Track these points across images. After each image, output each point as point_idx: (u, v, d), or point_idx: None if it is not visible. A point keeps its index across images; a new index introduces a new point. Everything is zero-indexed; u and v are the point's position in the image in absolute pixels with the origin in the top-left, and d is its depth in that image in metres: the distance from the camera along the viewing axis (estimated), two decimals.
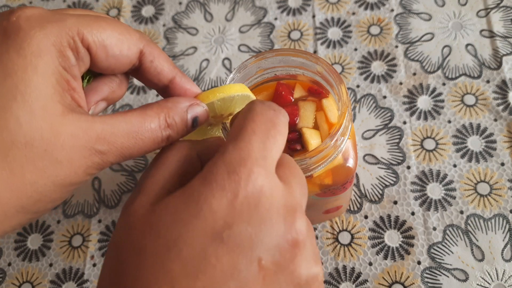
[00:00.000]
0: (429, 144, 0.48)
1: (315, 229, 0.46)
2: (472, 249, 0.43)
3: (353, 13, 0.56)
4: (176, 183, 0.24)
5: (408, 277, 0.43)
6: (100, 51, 0.26)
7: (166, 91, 0.31)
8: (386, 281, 0.43)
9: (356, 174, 0.48)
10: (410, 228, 0.45)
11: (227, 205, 0.21)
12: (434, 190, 0.46)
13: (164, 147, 0.27)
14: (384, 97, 0.51)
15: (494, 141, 0.47)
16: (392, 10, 0.56)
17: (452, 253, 0.43)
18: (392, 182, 0.47)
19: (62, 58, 0.25)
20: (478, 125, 0.48)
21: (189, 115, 0.28)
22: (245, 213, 0.21)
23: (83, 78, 0.29)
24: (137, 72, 0.30)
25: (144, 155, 0.34)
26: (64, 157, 0.23)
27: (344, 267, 0.44)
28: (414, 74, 0.52)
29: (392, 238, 0.45)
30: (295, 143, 0.34)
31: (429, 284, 0.42)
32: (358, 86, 0.52)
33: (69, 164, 0.24)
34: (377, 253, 0.44)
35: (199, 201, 0.21)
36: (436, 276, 0.43)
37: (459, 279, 0.42)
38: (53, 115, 0.23)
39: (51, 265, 0.47)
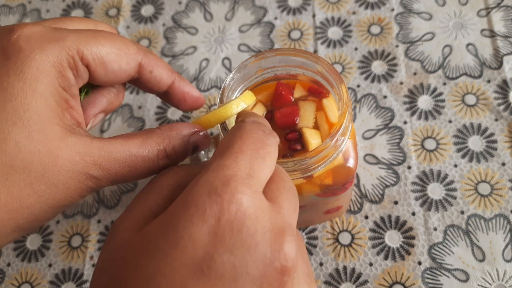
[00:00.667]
0: (430, 144, 0.48)
1: (315, 229, 0.46)
2: (472, 250, 0.43)
3: (354, 13, 0.56)
4: (166, 208, 0.24)
5: (409, 277, 0.43)
6: (100, 67, 0.26)
7: (165, 95, 0.31)
8: (387, 281, 0.43)
9: (357, 174, 0.47)
10: (410, 229, 0.45)
11: (208, 232, 0.20)
12: (435, 190, 0.46)
13: (161, 172, 0.27)
14: (385, 97, 0.51)
15: (495, 141, 0.47)
16: (393, 10, 0.55)
17: (453, 253, 0.43)
18: (393, 182, 0.47)
19: (62, 78, 0.25)
20: (479, 125, 0.48)
21: (190, 144, 0.28)
22: (228, 239, 0.20)
23: (81, 91, 0.29)
24: (136, 82, 0.30)
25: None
26: (60, 182, 0.24)
27: (345, 267, 0.44)
28: (415, 73, 0.51)
29: (393, 238, 0.45)
30: (295, 143, 0.34)
31: (429, 285, 0.42)
32: (358, 86, 0.52)
33: (64, 188, 0.24)
34: (378, 253, 0.44)
35: (178, 229, 0.20)
36: (437, 277, 0.42)
37: (459, 280, 0.42)
38: (51, 139, 0.24)
39: (50, 265, 0.47)
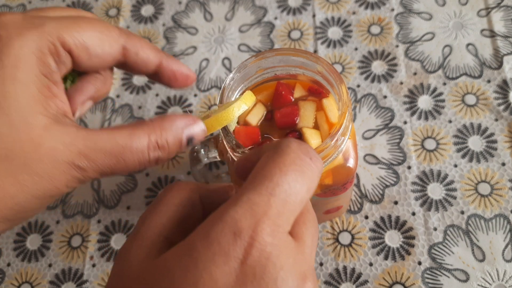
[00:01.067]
0: (430, 144, 0.48)
1: None
2: (472, 250, 0.43)
3: (354, 13, 0.56)
4: (175, 230, 0.23)
5: (409, 277, 0.43)
6: (82, 52, 0.26)
7: (155, 75, 0.30)
8: (387, 281, 0.43)
9: (357, 174, 0.47)
10: (410, 229, 0.45)
11: (229, 274, 0.19)
12: (435, 190, 0.46)
13: (166, 187, 0.26)
14: (385, 97, 0.51)
15: (495, 141, 0.47)
16: (393, 10, 0.55)
17: (453, 253, 0.43)
18: (393, 182, 0.47)
19: (43, 65, 0.24)
20: (479, 125, 0.48)
21: (184, 135, 0.27)
22: (249, 284, 0.19)
23: (66, 79, 0.28)
24: (123, 65, 0.29)
25: (130, 173, 0.33)
26: (44, 171, 0.23)
27: (345, 267, 0.44)
28: (415, 73, 0.51)
29: (393, 238, 0.45)
30: None
31: (429, 285, 0.42)
32: (358, 86, 0.52)
33: (49, 178, 0.23)
34: (378, 253, 0.44)
35: (198, 266, 0.19)
36: (437, 277, 0.42)
37: (459, 280, 0.42)
38: (33, 128, 0.23)
39: (50, 265, 0.47)
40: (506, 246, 0.43)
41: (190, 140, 0.27)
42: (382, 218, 0.45)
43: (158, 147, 0.26)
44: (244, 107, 0.32)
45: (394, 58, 0.52)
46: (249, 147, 0.33)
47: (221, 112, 0.31)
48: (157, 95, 0.54)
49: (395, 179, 0.47)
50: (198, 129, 0.28)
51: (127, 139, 0.25)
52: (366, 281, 0.43)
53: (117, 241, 0.48)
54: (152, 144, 0.26)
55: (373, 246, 0.44)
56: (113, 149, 0.25)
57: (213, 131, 0.31)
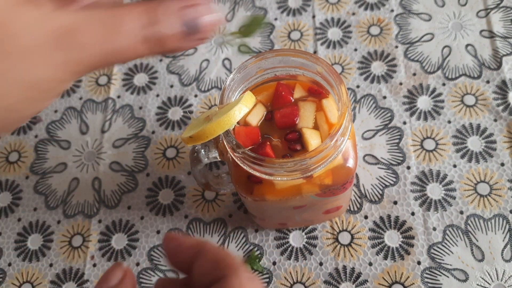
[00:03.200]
0: (429, 144, 0.48)
1: (315, 229, 0.46)
2: (472, 249, 0.43)
3: (353, 14, 0.56)
4: None
5: (408, 277, 0.43)
6: None
7: None
8: (386, 281, 0.43)
9: (356, 174, 0.48)
10: (410, 228, 0.45)
11: None
12: (434, 190, 0.46)
13: None
14: (384, 97, 0.51)
15: (494, 141, 0.47)
16: (392, 11, 0.56)
17: (452, 253, 0.43)
18: (392, 182, 0.47)
19: None
20: (478, 125, 0.48)
21: (183, 18, 0.22)
22: None
23: None
24: None
25: (123, 63, 0.26)
26: (20, 52, 0.20)
27: (344, 267, 0.44)
28: (414, 74, 0.52)
29: (392, 238, 0.45)
30: (295, 143, 0.34)
31: (429, 284, 0.42)
32: (358, 87, 0.52)
33: (29, 61, 0.20)
34: (377, 253, 0.44)
35: None
36: (436, 276, 0.43)
37: (459, 279, 0.42)
38: (3, 5, 0.20)
39: (51, 265, 0.47)
40: (505, 246, 0.43)
41: (192, 28, 0.23)
42: (381, 218, 0.46)
43: (150, 23, 0.22)
44: (244, 110, 0.32)
45: (393, 59, 0.53)
46: (249, 147, 0.34)
47: (222, 117, 0.31)
48: (157, 95, 0.54)
49: (394, 179, 0.47)
50: (202, 8, 0.23)
51: (115, 11, 0.22)
52: (365, 281, 0.43)
53: (118, 241, 0.48)
54: (144, 18, 0.22)
55: (373, 246, 0.45)
56: (98, 20, 0.21)
57: (215, 136, 0.31)
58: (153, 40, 0.22)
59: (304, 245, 0.45)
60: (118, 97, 0.55)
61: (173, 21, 0.22)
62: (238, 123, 0.35)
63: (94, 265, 0.47)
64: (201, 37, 0.23)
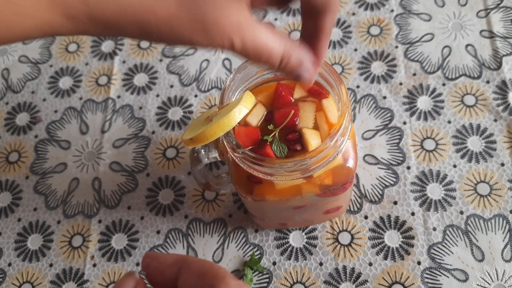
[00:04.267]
0: (429, 144, 0.48)
1: (315, 229, 0.46)
2: (472, 250, 0.43)
3: (353, 14, 0.56)
4: None
5: (408, 277, 0.43)
6: None
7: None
8: (386, 281, 0.43)
9: (356, 175, 0.48)
10: (410, 229, 0.45)
11: None
12: (434, 191, 0.46)
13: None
14: (384, 97, 0.51)
15: (494, 142, 0.47)
16: (392, 11, 0.56)
17: (452, 253, 0.43)
18: (392, 183, 0.47)
19: None
20: (478, 126, 0.48)
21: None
22: None
23: None
24: None
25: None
26: None
27: (344, 267, 0.44)
28: (414, 74, 0.52)
29: (392, 238, 0.45)
30: (295, 144, 0.34)
31: (429, 285, 0.42)
32: (358, 87, 0.52)
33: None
34: (377, 253, 0.44)
35: None
36: (436, 277, 0.43)
37: (459, 280, 0.42)
38: None
39: (51, 265, 0.47)
40: (505, 246, 0.43)
41: (297, 77, 0.28)
42: (381, 218, 0.46)
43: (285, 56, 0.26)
44: (244, 111, 0.32)
45: (393, 59, 0.53)
46: (249, 147, 0.34)
47: (222, 118, 0.31)
48: (157, 95, 0.54)
49: (394, 179, 0.47)
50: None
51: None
52: (365, 281, 0.43)
53: (117, 241, 0.48)
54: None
55: (373, 246, 0.45)
56: None
57: (215, 138, 0.31)
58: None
59: (304, 245, 0.45)
60: (118, 97, 0.55)
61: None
62: (238, 123, 0.35)
63: (94, 265, 0.47)
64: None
